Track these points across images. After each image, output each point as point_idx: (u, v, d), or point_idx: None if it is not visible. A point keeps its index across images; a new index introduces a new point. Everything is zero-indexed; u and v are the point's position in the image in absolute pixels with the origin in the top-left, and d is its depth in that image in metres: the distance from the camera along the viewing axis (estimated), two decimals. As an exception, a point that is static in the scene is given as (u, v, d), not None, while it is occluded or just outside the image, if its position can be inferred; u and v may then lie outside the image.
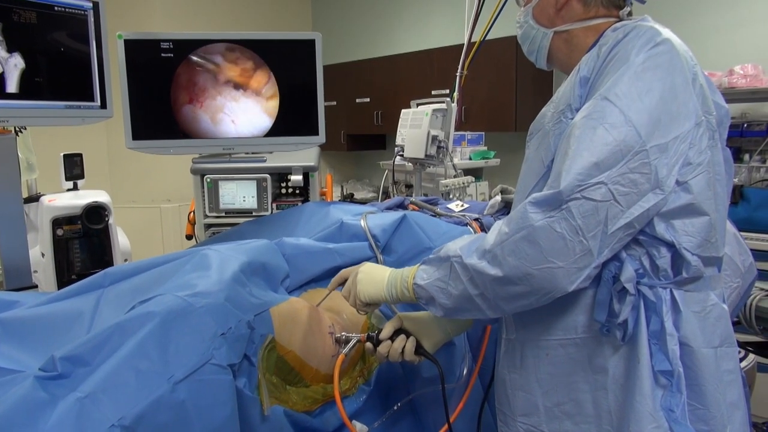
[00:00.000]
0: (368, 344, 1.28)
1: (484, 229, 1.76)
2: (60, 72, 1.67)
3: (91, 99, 1.78)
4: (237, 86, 1.88)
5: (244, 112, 1.89)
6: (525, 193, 1.14)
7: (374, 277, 1.22)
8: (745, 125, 3.49)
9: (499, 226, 1.02)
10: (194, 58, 1.86)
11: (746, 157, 3.47)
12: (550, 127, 1.10)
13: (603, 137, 0.96)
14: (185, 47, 1.85)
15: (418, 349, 1.26)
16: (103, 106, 1.80)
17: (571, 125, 1.01)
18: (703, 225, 1.03)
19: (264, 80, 1.89)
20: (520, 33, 1.27)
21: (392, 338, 1.26)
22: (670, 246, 1.03)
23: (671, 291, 1.04)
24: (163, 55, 1.84)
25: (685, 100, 1.01)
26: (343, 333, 1.30)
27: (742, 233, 1.38)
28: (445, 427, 1.31)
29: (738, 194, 3.04)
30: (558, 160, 1.00)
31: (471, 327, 1.34)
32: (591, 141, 0.96)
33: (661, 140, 0.98)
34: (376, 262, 1.52)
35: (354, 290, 1.24)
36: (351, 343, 1.28)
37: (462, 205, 2.14)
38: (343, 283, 1.30)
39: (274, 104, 1.90)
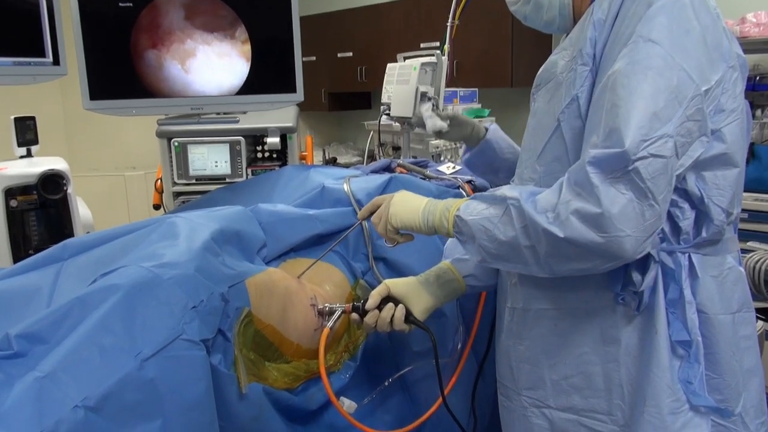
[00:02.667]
0: (354, 315, 1.29)
1: (478, 191, 1.77)
2: (6, 25, 1.63)
3: (42, 54, 1.74)
4: (208, 28, 1.84)
5: (218, 56, 1.86)
6: (535, 151, 1.14)
7: (410, 203, 1.22)
8: (757, 78, 3.49)
9: (561, 185, 0.99)
10: (158, 6, 1.82)
11: (758, 112, 3.49)
12: (563, 78, 1.09)
13: (656, 84, 0.94)
14: (145, -5, 1.80)
15: (408, 317, 1.28)
16: (56, 62, 1.77)
17: (612, 73, 0.97)
18: (733, 178, 1.04)
19: (232, 22, 1.86)
20: (529, 6, 1.20)
21: (379, 307, 1.27)
22: (694, 204, 1.03)
23: (689, 256, 1.05)
24: (121, 4, 1.80)
25: (718, 41, 1.01)
26: (326, 305, 1.31)
27: (751, 194, 1.40)
28: (439, 401, 1.33)
29: (749, 152, 3.06)
30: (603, 115, 0.96)
31: (463, 293, 1.35)
32: (643, 89, 0.94)
33: (707, 84, 0.97)
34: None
35: (386, 214, 1.24)
36: (335, 315, 1.29)
37: (454, 167, 2.14)
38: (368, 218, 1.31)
39: (249, 48, 1.88)
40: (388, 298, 1.29)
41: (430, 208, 1.18)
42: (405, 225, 1.22)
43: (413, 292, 1.30)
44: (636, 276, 1.04)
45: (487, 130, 1.65)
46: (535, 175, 1.14)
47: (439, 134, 1.73)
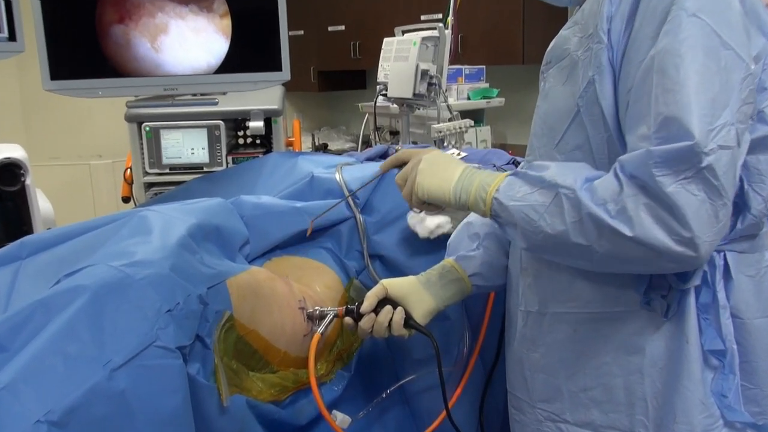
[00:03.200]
0: (348, 319, 1.30)
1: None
2: (-46, -5, 1.63)
3: (-4, 29, 1.74)
4: (182, 0, 1.83)
5: (194, 32, 1.85)
6: (552, 138, 1.14)
7: (441, 169, 1.19)
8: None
9: (616, 174, 0.97)
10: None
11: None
12: (579, 56, 1.09)
13: (708, 65, 0.93)
14: (112, -38, 1.80)
15: (408, 321, 1.29)
16: (12, 38, 1.76)
17: (657, 53, 0.96)
18: None
19: None
20: None
21: (376, 310, 1.28)
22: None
23: (724, 255, 1.05)
24: (84, -28, 1.80)
25: (757, 12, 1.00)
26: (316, 308, 1.32)
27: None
28: (443, 415, 1.34)
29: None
30: (652, 101, 0.95)
31: (469, 294, 1.36)
32: (697, 71, 0.92)
33: (754, 62, 0.97)
34: (355, 222, 1.53)
35: (412, 178, 1.22)
36: (327, 319, 1.30)
37: (459, 154, 2.15)
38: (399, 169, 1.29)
39: (228, 23, 1.87)
40: (386, 300, 1.30)
41: (464, 183, 1.15)
42: (432, 197, 1.19)
43: (413, 294, 1.30)
44: (671, 277, 1.04)
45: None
46: None
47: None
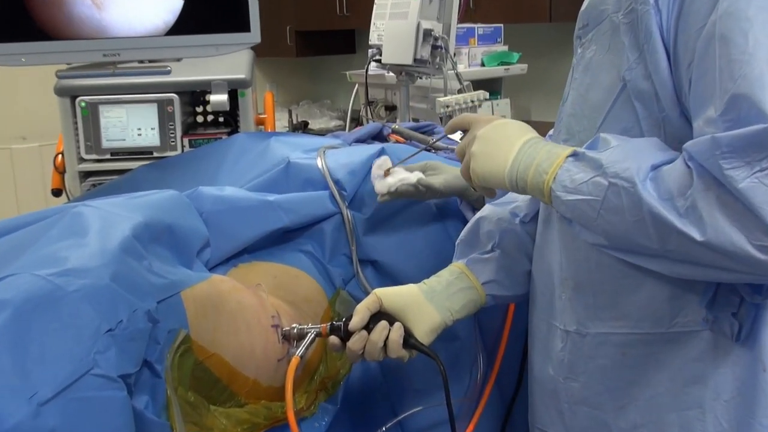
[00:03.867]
0: (333, 338, 1.30)
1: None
2: None
3: None
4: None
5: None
6: (593, 120, 1.15)
7: (495, 149, 1.21)
8: None
9: (684, 163, 0.98)
10: None
11: None
12: (620, 19, 1.10)
13: None
14: None
15: (408, 340, 1.29)
16: None
17: (720, 16, 0.96)
18: None
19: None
20: None
21: (368, 327, 1.28)
22: None
23: None
24: None
25: None
26: (294, 325, 1.32)
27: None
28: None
29: None
30: (722, 74, 0.95)
31: (483, 306, 1.37)
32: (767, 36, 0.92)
33: None
34: (342, 219, 1.54)
35: (467, 161, 1.25)
36: (307, 339, 1.30)
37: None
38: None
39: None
40: (380, 315, 1.30)
41: (520, 167, 1.17)
42: (489, 184, 1.23)
43: (414, 306, 1.31)
44: (743, 288, 1.04)
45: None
46: None
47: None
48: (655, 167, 1.01)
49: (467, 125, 1.29)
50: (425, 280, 1.36)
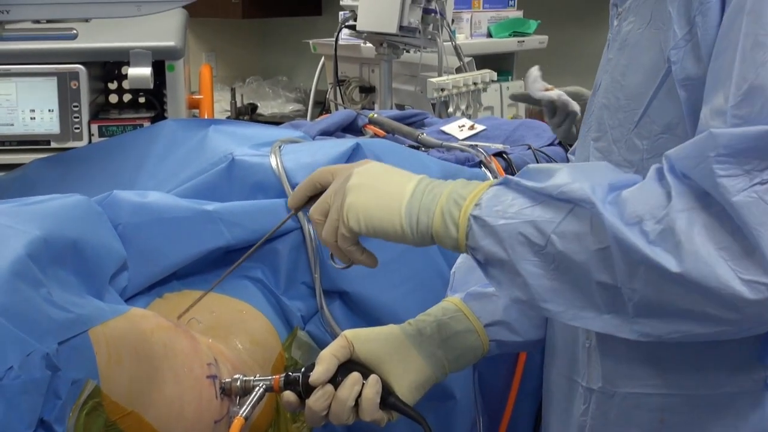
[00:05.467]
0: (288, 394, 1.30)
1: (514, 170, 1.79)
2: None
3: None
4: None
5: None
6: (630, 112, 1.17)
7: (385, 182, 1.22)
8: None
9: (659, 174, 1.01)
10: None
11: None
12: None
13: None
14: None
15: (386, 399, 1.29)
16: None
17: None
18: None
19: None
20: None
21: (335, 380, 1.29)
22: None
23: None
24: None
25: None
26: (237, 376, 1.32)
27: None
28: None
29: None
30: (741, 58, 0.98)
31: (485, 355, 1.37)
32: None
33: None
34: (302, 237, 1.55)
35: (339, 203, 1.23)
36: (254, 395, 1.30)
37: (473, 127, 2.17)
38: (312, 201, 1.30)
39: None
40: (351, 365, 1.31)
41: (425, 198, 1.18)
42: (372, 227, 1.21)
43: (396, 354, 1.32)
44: None
45: None
46: (633, 156, 1.16)
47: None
48: (614, 188, 1.04)
49: (326, 180, 1.29)
50: (410, 320, 1.36)
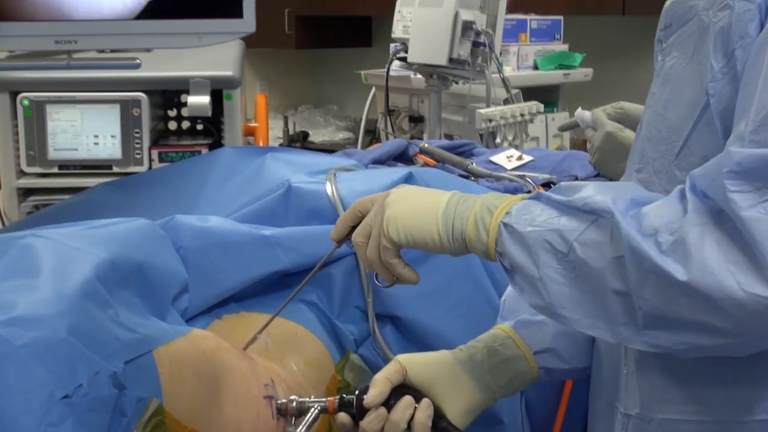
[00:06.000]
0: (342, 416, 1.31)
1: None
2: None
3: None
4: None
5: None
6: (671, 144, 1.17)
7: (422, 196, 1.27)
8: None
9: (682, 194, 1.03)
10: None
11: None
12: (708, 19, 1.12)
13: None
14: None
15: (438, 423, 1.30)
16: None
17: None
18: None
19: None
20: None
21: (388, 403, 1.29)
22: None
23: None
24: None
25: None
26: (293, 397, 1.33)
27: None
28: None
29: None
30: (759, 86, 0.99)
31: (533, 382, 1.37)
32: None
33: None
34: (355, 262, 1.56)
35: (379, 219, 1.26)
36: (309, 416, 1.31)
37: (520, 158, 2.17)
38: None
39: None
40: (404, 388, 1.31)
41: (459, 207, 1.23)
42: (412, 236, 1.24)
43: (448, 379, 1.32)
44: None
45: None
46: (673, 187, 1.16)
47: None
48: (636, 203, 1.06)
49: (366, 207, 1.32)
50: (461, 347, 1.37)
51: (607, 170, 1.84)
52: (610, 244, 1.05)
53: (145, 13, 1.91)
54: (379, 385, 1.29)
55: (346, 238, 1.36)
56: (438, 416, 1.30)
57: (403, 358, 1.33)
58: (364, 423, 1.29)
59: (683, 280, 0.97)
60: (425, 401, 1.29)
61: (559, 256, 1.09)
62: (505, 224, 1.15)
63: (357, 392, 1.31)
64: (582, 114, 1.94)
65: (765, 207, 0.94)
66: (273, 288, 1.54)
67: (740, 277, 0.95)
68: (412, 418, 1.28)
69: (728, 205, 0.96)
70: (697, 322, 1.00)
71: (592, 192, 1.10)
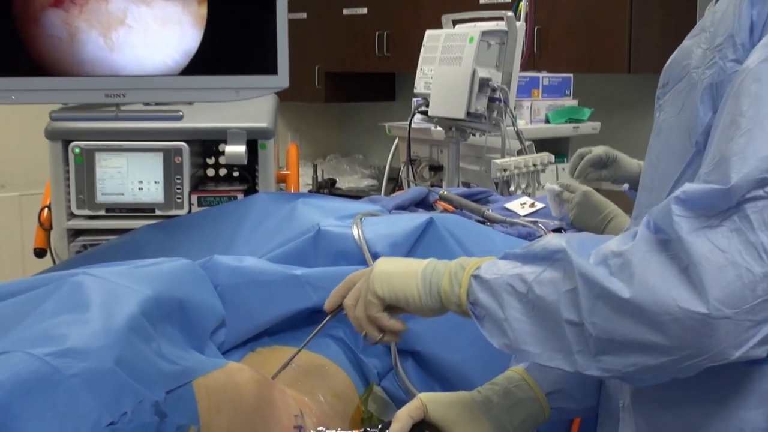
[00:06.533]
0: (366, 447, 1.31)
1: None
2: None
3: None
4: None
5: (161, 24, 1.89)
6: (663, 191, 1.17)
7: (403, 265, 1.29)
8: None
9: (639, 228, 1.04)
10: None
11: None
12: (698, 76, 1.13)
13: None
14: None
15: None
16: None
17: (742, 74, 1.03)
18: None
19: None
20: None
21: None
22: None
23: None
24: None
25: None
26: (320, 428, 1.33)
27: None
28: None
29: None
30: (722, 135, 1.02)
31: (545, 422, 1.37)
32: None
33: None
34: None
35: (366, 284, 1.29)
36: (335, 447, 1.31)
37: (533, 205, 2.17)
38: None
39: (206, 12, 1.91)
40: (424, 425, 1.30)
41: (436, 266, 1.26)
42: (394, 291, 1.27)
43: (465, 418, 1.31)
44: None
45: None
46: None
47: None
48: (591, 242, 1.09)
49: (360, 275, 1.35)
50: (479, 388, 1.36)
51: (584, 224, 1.87)
52: (563, 280, 1.07)
53: (188, 70, 1.94)
54: (401, 421, 1.29)
55: (340, 308, 1.38)
56: None
57: (424, 396, 1.33)
58: None
59: (626, 298, 0.99)
60: None
61: (520, 297, 1.12)
62: (475, 276, 1.18)
63: (380, 426, 1.31)
64: (551, 187, 1.98)
65: (704, 232, 0.96)
66: (303, 323, 1.55)
67: (677, 294, 0.96)
68: None
69: (672, 227, 0.98)
70: (642, 342, 1.00)
71: (549, 238, 1.14)
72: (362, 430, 1.32)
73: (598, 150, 2.12)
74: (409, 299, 1.26)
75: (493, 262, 1.19)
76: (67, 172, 2.24)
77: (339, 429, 1.34)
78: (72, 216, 2.27)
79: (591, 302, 1.03)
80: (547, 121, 3.99)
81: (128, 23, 1.88)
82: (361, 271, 1.35)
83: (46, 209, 2.34)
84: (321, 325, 1.44)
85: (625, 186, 2.05)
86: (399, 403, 1.39)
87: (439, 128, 3.11)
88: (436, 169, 3.35)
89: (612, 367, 1.05)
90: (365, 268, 1.35)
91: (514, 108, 2.90)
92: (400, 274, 1.27)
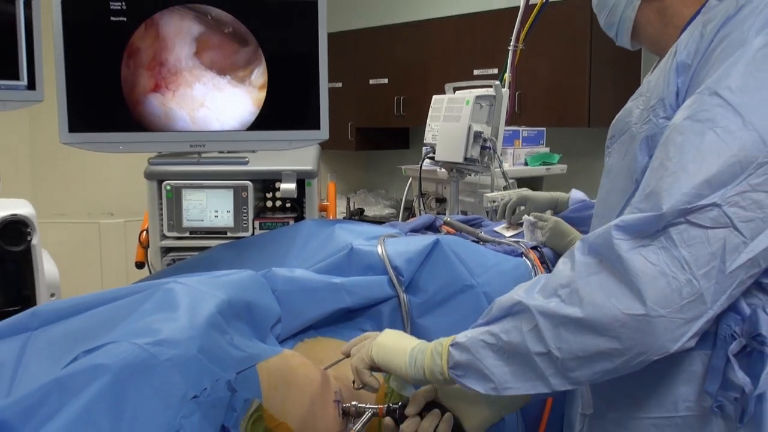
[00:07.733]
0: (388, 419, 1.30)
1: (546, 261, 1.79)
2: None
3: (16, 77, 1.80)
4: (220, 70, 1.91)
5: (229, 101, 1.92)
6: (610, 218, 1.16)
7: (400, 341, 1.27)
8: None
9: (574, 255, 1.05)
10: (157, 23, 1.89)
11: None
12: (637, 130, 1.14)
13: (714, 146, 0.98)
14: (144, 8, 1.88)
15: (457, 431, 1.28)
16: (31, 86, 1.83)
17: (670, 128, 1.04)
18: None
19: (249, 59, 1.92)
20: (595, 0, 1.31)
21: (422, 414, 1.28)
22: None
23: None
24: (113, 18, 1.88)
25: None
26: (353, 403, 1.32)
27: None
28: None
29: None
30: (652, 174, 1.03)
31: (528, 401, 1.36)
32: (698, 151, 0.99)
33: None
34: (398, 302, 1.56)
35: (370, 342, 1.29)
36: (364, 418, 1.30)
37: (515, 229, 2.17)
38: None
39: (265, 92, 1.94)
40: (434, 404, 1.30)
41: (421, 346, 1.23)
42: (385, 362, 1.25)
43: (466, 400, 1.30)
44: (739, 375, 1.03)
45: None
46: None
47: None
48: (536, 284, 1.09)
49: (364, 338, 1.34)
50: None
51: (554, 245, 1.86)
52: (523, 322, 1.07)
53: (252, 126, 1.95)
54: (417, 399, 1.29)
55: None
56: (457, 427, 1.29)
57: None
58: (404, 426, 1.28)
59: (580, 317, 1.00)
60: (447, 415, 1.29)
61: (492, 347, 1.10)
62: (453, 344, 1.16)
63: (400, 404, 1.31)
64: (528, 218, 1.98)
65: (639, 250, 0.98)
66: (340, 320, 1.55)
67: (619, 304, 0.98)
68: (437, 426, 1.28)
69: (613, 249, 0.99)
70: (601, 351, 1.00)
71: (501, 299, 1.13)
72: (386, 405, 1.32)
73: (513, 197, 2.15)
74: (396, 370, 1.24)
75: (464, 334, 1.17)
76: (161, 203, 2.25)
77: (368, 404, 1.34)
78: (164, 237, 2.27)
79: (553, 332, 1.03)
80: (526, 164, 4.00)
81: (206, 105, 1.91)
82: (374, 333, 1.34)
83: (144, 232, 2.35)
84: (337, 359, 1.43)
85: (549, 212, 2.10)
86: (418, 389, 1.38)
87: (443, 170, 3.11)
88: (441, 200, 3.37)
89: (582, 379, 1.05)
90: (376, 332, 1.34)
91: (501, 154, 2.90)
92: (393, 349, 1.25)
